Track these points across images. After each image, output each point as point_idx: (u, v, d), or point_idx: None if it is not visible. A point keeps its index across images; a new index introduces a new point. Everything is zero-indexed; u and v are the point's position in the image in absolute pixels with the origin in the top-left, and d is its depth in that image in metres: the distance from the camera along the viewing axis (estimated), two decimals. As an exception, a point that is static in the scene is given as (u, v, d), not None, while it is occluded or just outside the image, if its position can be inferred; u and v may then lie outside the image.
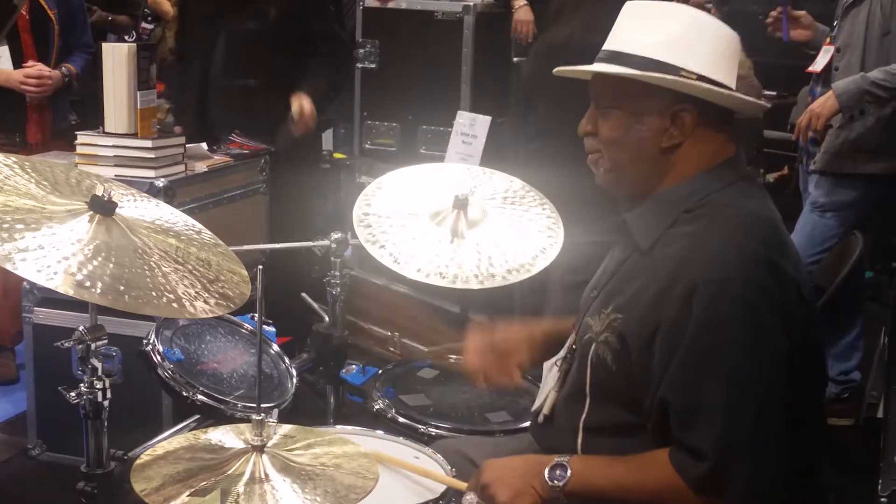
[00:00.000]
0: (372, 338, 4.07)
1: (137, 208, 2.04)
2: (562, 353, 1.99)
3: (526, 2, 4.88)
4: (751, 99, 1.80)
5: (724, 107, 1.78)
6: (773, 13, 3.85)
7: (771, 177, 6.27)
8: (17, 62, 3.80)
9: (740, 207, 1.74)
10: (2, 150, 3.62)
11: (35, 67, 3.81)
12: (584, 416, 1.82)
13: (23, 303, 3.30)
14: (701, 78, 1.73)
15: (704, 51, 1.75)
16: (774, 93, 6.26)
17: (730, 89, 1.76)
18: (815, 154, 3.73)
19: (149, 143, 3.14)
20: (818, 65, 3.67)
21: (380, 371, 2.63)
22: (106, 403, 1.96)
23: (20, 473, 3.42)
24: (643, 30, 1.77)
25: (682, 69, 1.73)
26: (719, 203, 1.74)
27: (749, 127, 6.01)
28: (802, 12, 3.86)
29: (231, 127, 3.94)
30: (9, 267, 1.63)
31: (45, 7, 3.87)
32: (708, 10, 8.43)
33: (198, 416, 2.33)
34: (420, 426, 2.37)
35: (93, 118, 4.03)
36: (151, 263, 1.82)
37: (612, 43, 1.81)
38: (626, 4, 1.83)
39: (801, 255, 3.71)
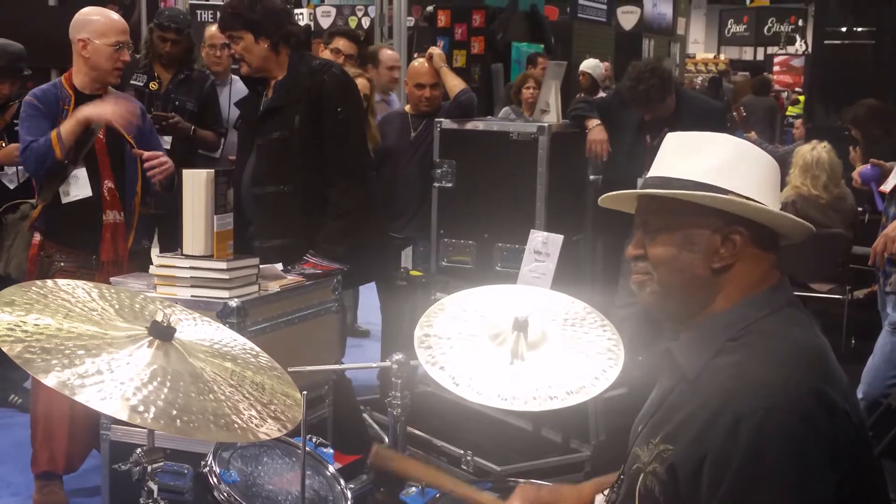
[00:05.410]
0: (444, 455, 4.05)
1: (197, 332, 2.11)
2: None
3: (600, 122, 4.95)
4: (800, 220, 1.81)
5: (772, 231, 1.79)
6: (858, 184, 3.86)
7: (860, 293, 6.17)
8: (95, 184, 3.85)
9: (785, 335, 1.73)
10: (76, 273, 3.75)
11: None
12: (631, 547, 1.79)
13: (100, 420, 3.39)
14: (749, 200, 1.76)
15: (750, 176, 1.79)
16: (861, 209, 6.19)
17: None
18: (892, 275, 3.66)
19: (223, 265, 3.23)
20: (889, 185, 3.64)
21: (438, 495, 2.62)
22: (161, 525, 2.00)
23: None
24: (690, 157, 1.82)
25: (731, 192, 1.76)
26: (764, 331, 1.73)
27: (836, 240, 5.95)
28: (889, 165, 3.81)
29: (268, 233, 3.98)
30: (66, 392, 1.71)
31: (122, 130, 3.88)
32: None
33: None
34: (475, 552, 2.35)
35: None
36: (205, 388, 1.88)
37: (659, 170, 1.85)
38: (668, 135, 1.89)
39: (881, 377, 3.69)
